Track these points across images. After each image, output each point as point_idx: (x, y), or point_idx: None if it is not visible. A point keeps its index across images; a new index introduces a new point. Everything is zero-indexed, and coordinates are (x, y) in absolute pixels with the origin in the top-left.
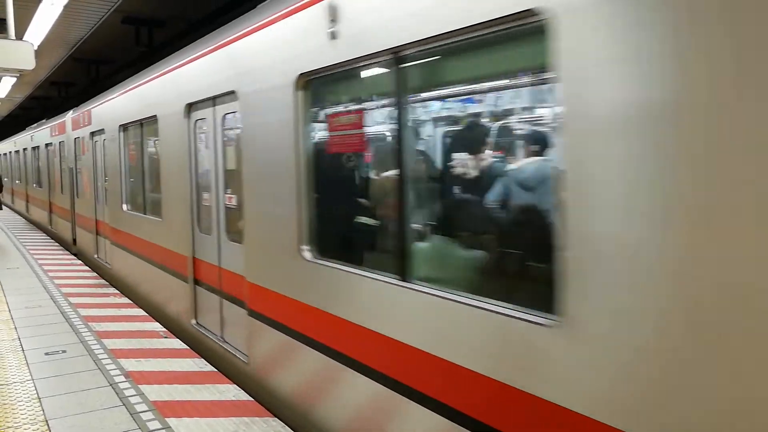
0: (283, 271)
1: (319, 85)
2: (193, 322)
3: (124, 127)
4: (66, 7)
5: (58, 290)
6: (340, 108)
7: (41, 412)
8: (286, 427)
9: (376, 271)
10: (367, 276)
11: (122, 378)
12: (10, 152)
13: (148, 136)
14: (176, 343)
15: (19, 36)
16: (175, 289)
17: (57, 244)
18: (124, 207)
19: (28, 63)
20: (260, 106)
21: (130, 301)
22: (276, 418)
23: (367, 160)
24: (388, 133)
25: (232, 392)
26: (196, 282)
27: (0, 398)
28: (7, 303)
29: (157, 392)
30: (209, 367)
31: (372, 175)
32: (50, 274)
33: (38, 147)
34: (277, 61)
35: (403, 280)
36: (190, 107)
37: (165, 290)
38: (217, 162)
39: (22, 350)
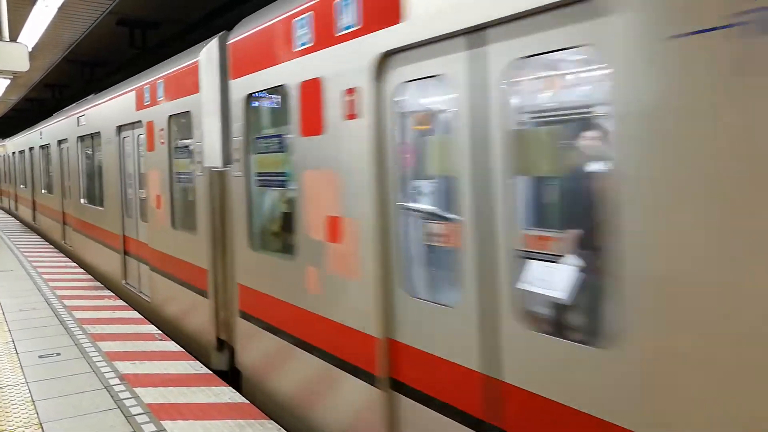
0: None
1: None
2: None
3: None
4: (60, 8)
5: (52, 293)
6: None
7: (35, 415)
8: (282, 429)
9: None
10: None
11: (117, 380)
12: (31, 149)
13: None
14: (171, 346)
15: (14, 38)
16: None
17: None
18: None
19: (23, 65)
20: None
21: (126, 304)
22: (272, 421)
23: None
24: None
25: (227, 395)
26: None
27: None
28: (0, 305)
29: (152, 395)
30: (204, 370)
31: None
32: (44, 276)
33: (93, 135)
34: None
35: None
36: None
37: None
38: None
39: (16, 353)
